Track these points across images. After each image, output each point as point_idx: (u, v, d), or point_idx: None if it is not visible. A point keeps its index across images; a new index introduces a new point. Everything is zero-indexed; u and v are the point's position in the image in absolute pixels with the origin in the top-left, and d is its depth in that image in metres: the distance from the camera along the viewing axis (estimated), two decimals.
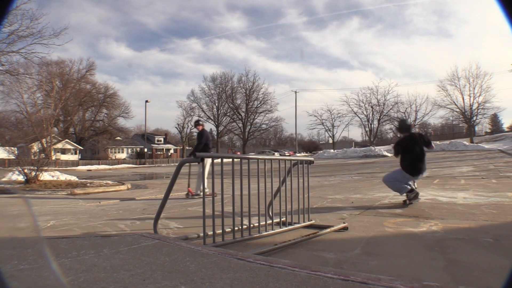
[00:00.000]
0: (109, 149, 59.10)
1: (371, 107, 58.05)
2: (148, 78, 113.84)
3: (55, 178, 13.18)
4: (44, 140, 32.84)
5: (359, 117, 59.49)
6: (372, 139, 57.89)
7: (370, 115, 58.54)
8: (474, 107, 48.07)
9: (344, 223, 4.04)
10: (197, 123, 8.15)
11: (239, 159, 3.51)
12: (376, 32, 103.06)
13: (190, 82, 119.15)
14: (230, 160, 3.42)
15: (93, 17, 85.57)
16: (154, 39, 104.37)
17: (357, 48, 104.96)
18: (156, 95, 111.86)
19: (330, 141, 66.68)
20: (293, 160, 4.28)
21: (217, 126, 62.79)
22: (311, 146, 73.20)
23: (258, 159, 3.72)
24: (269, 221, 3.80)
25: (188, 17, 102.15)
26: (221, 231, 3.25)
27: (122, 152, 62.23)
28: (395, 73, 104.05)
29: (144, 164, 48.36)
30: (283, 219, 4.05)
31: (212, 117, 62.63)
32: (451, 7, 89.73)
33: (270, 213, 4.15)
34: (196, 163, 3.19)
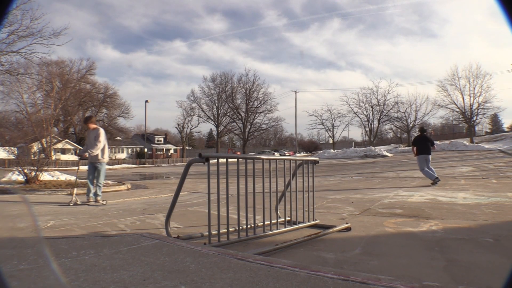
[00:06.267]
0: (109, 149, 59.01)
1: (371, 107, 58.06)
2: (138, 79, 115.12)
3: (55, 178, 13.18)
4: (44, 140, 32.83)
5: (359, 117, 59.50)
6: (372, 139, 57.88)
7: (370, 115, 58.54)
8: (474, 107, 48.07)
9: (346, 223, 4.04)
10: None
11: (243, 159, 3.52)
12: (359, 32, 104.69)
13: (180, 82, 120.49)
14: (231, 159, 3.42)
15: (78, 20, 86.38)
16: (139, 42, 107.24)
17: (342, 48, 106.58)
18: (149, 96, 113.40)
19: (330, 141, 66.64)
20: (299, 160, 4.28)
21: (217, 126, 62.76)
22: (311, 146, 73.19)
23: (263, 159, 3.72)
24: (274, 221, 3.81)
25: (170, 20, 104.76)
26: (225, 230, 3.25)
27: (122, 152, 62.25)
28: (384, 73, 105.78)
29: (144, 164, 48.35)
30: (288, 218, 4.06)
31: (212, 117, 62.62)
32: (430, 7, 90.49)
33: (276, 213, 4.17)
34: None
